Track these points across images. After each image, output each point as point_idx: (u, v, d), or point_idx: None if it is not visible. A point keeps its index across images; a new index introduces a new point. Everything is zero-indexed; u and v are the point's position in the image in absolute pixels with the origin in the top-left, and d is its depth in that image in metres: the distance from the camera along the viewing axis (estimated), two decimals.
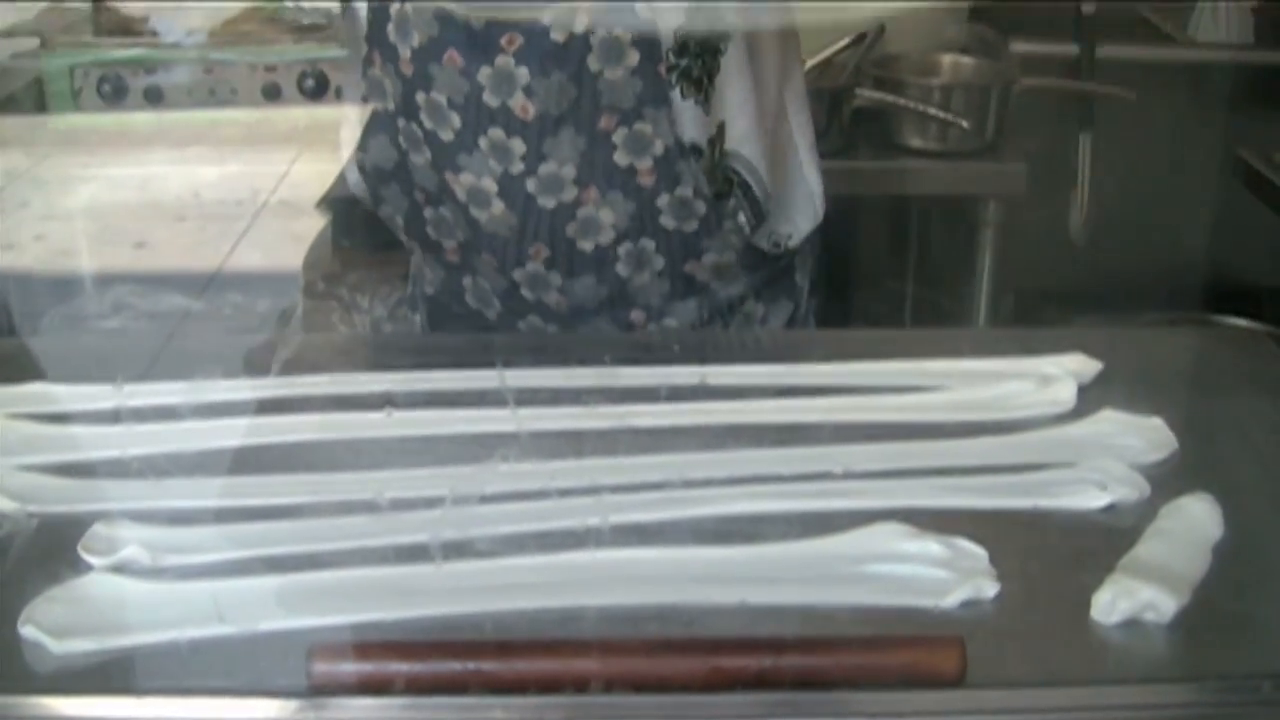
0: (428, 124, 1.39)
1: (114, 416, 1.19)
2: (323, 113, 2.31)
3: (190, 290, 1.62)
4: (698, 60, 1.35)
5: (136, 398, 1.21)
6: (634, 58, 1.34)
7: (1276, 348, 1.35)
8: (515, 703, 0.84)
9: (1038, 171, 2.39)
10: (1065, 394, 1.22)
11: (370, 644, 0.87)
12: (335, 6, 2.42)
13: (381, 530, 1.03)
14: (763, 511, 1.06)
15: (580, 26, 1.32)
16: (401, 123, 1.42)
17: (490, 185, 1.40)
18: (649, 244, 1.43)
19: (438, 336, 1.56)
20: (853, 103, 2.33)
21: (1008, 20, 2.71)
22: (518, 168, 1.38)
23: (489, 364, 1.24)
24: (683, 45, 1.34)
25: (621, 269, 1.44)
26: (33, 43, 2.35)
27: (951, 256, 2.66)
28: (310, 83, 2.32)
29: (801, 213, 1.54)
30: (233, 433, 1.17)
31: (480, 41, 1.35)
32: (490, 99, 1.35)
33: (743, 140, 1.42)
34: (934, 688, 0.86)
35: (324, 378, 1.27)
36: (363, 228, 2.37)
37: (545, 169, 1.38)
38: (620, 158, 1.37)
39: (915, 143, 2.37)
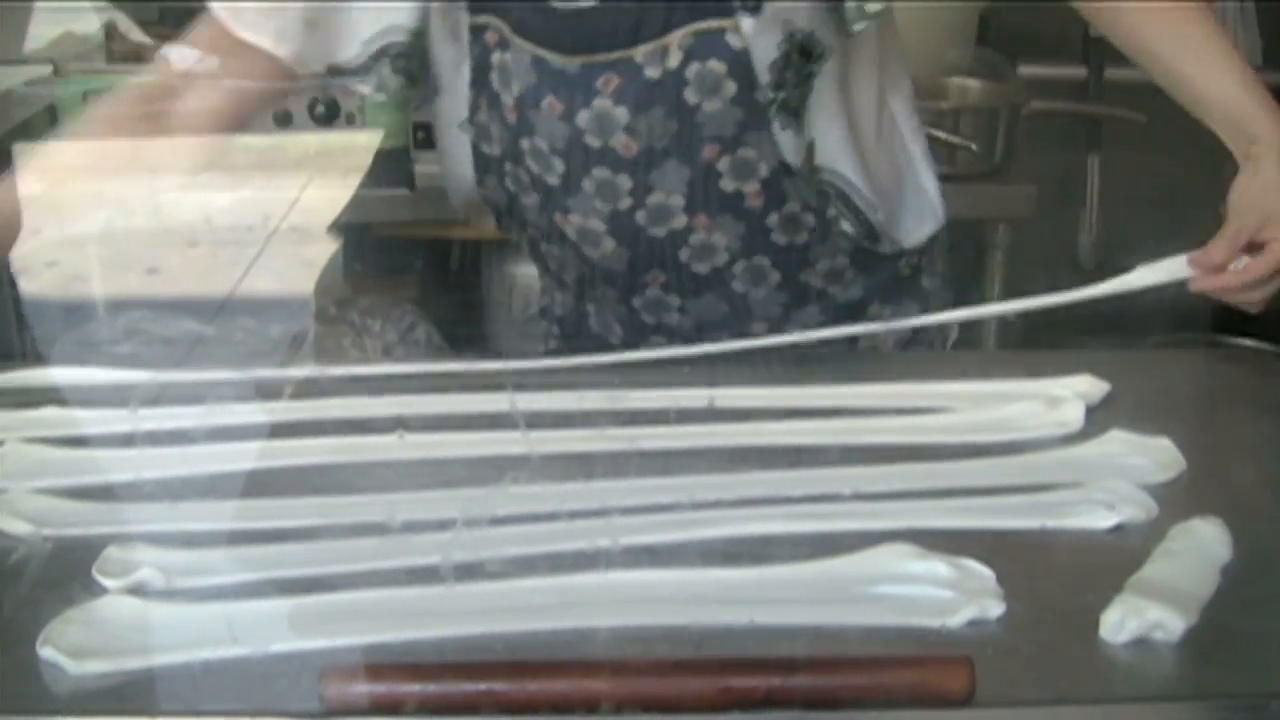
0: (534, 168, 1.41)
1: (127, 440, 1.20)
2: (333, 139, 2.31)
3: (202, 316, 1.63)
4: (795, 90, 1.35)
5: (150, 421, 1.22)
6: (731, 88, 1.33)
7: None
8: None
9: (1046, 194, 2.39)
10: (1073, 415, 1.23)
11: (382, 665, 0.87)
12: None
13: (393, 552, 1.03)
14: (771, 533, 1.06)
15: (674, 61, 1.32)
16: (509, 166, 1.43)
17: (598, 225, 1.41)
18: (763, 260, 1.44)
19: (449, 361, 1.56)
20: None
21: (1015, 43, 2.72)
22: (625, 203, 1.39)
23: (500, 388, 1.25)
24: (779, 80, 1.34)
25: (738, 285, 1.45)
26: (46, 70, 2.37)
27: (960, 279, 2.66)
28: (321, 109, 2.32)
29: (920, 217, 1.54)
30: (245, 456, 1.18)
31: (578, 86, 1.35)
32: (592, 140, 1.36)
33: (833, 156, 1.42)
34: (942, 707, 0.86)
35: (336, 401, 1.28)
36: (374, 253, 2.38)
37: (653, 200, 1.39)
38: (726, 184, 1.38)
39: None
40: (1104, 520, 1.06)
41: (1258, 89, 1.33)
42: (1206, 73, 1.34)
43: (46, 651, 0.91)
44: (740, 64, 1.32)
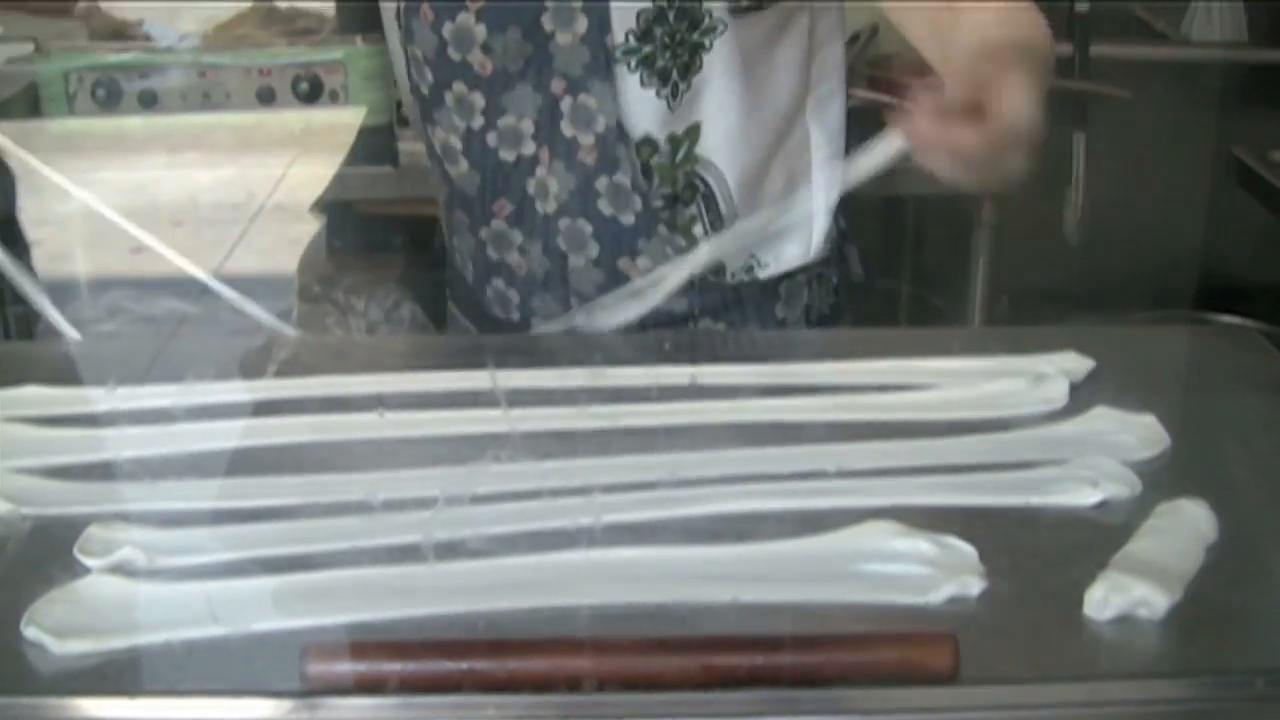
0: (414, 75, 1.42)
1: (108, 419, 1.19)
2: (318, 116, 2.30)
3: (187, 295, 1.62)
4: (667, 52, 1.32)
5: (131, 401, 1.22)
6: (583, 25, 1.32)
7: (1268, 345, 1.35)
8: (509, 701, 0.84)
9: (1032, 171, 2.39)
10: (1057, 392, 1.22)
11: (364, 644, 0.87)
12: (328, 9, 2.43)
13: (374, 531, 1.03)
14: (755, 510, 1.05)
15: None
16: (403, 71, 1.45)
17: (456, 142, 1.41)
18: (585, 226, 1.41)
19: (431, 338, 1.56)
20: (846, 103, 2.33)
21: None
22: (479, 122, 1.39)
23: (481, 365, 1.24)
24: (646, 31, 1.31)
25: (562, 244, 1.42)
26: (27, 48, 2.35)
27: (946, 256, 2.66)
28: (305, 86, 2.31)
29: (791, 242, 1.48)
30: (226, 435, 1.17)
31: None
32: (454, 53, 1.36)
33: (717, 148, 1.38)
34: (927, 684, 0.86)
35: (317, 380, 1.27)
36: (358, 231, 2.37)
37: (504, 122, 1.38)
38: (566, 127, 1.37)
39: None
40: (1088, 497, 1.06)
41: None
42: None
43: (31, 631, 0.91)
44: (597, 4, 1.31)
